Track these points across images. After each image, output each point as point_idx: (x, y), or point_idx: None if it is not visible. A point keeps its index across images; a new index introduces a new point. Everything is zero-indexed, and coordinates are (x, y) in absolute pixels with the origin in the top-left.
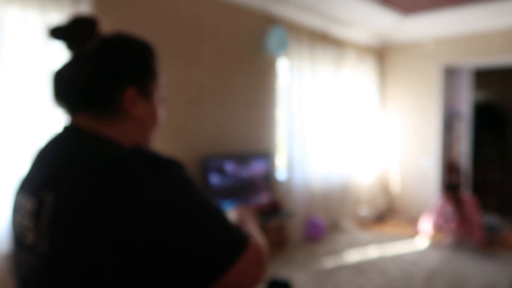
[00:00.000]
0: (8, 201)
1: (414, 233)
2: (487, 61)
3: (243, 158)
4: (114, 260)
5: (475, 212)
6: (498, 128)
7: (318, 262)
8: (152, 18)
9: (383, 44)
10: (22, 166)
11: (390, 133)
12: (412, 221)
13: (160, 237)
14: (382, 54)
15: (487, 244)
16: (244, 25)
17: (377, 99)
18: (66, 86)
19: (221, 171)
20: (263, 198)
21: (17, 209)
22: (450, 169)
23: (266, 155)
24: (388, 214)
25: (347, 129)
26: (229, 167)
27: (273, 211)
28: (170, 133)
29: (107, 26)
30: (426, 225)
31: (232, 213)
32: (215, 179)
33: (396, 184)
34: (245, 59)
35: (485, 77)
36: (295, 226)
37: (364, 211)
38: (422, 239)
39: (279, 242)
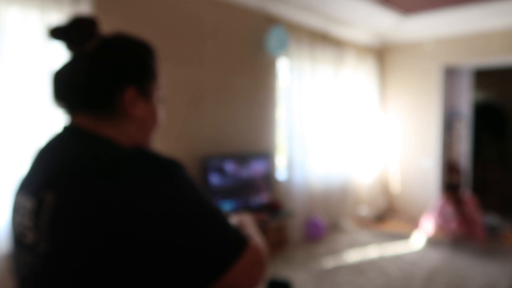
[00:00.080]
0: (8, 201)
1: (414, 232)
2: (487, 61)
3: (243, 158)
4: (114, 259)
5: (476, 212)
6: (498, 128)
7: (318, 262)
8: (152, 18)
9: (383, 44)
10: (22, 166)
11: (390, 133)
12: (412, 221)
13: (160, 236)
14: (382, 54)
15: (488, 243)
16: (244, 25)
17: (377, 99)
18: (66, 86)
19: (221, 171)
20: (263, 198)
21: (17, 209)
22: (450, 169)
23: (266, 155)
24: (388, 214)
25: (347, 129)
26: (229, 167)
27: (273, 211)
28: (170, 133)
29: (107, 26)
30: (427, 225)
31: (232, 217)
32: (215, 179)
33: (396, 184)
34: (245, 59)
35: (485, 77)
36: (295, 226)
37: (364, 211)
38: (421, 237)
39: (279, 242)
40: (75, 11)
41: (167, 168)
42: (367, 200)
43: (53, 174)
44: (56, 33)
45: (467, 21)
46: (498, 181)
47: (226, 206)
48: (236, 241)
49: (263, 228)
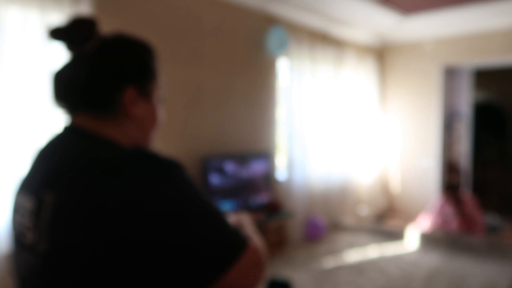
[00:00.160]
0: (8, 201)
1: (409, 230)
2: (487, 61)
3: (243, 158)
4: (114, 259)
5: (477, 212)
6: (498, 128)
7: (318, 262)
8: (152, 19)
9: (383, 44)
10: (22, 166)
11: (390, 133)
12: (412, 221)
13: (159, 236)
14: (382, 54)
15: (488, 242)
16: (244, 25)
17: (377, 99)
18: (66, 87)
19: (221, 171)
20: (263, 198)
21: (17, 209)
22: (450, 169)
23: (266, 155)
24: (388, 214)
25: (347, 129)
26: (229, 167)
27: (273, 211)
28: (170, 133)
29: (107, 27)
30: (424, 224)
31: (230, 217)
32: (215, 179)
33: (396, 184)
34: (245, 59)
35: (485, 77)
36: (295, 226)
37: (364, 211)
38: (416, 235)
39: (279, 242)
40: (75, 12)
41: (167, 168)
42: (367, 200)
43: (53, 174)
44: (56, 33)
45: (467, 21)
46: (498, 181)
47: (226, 206)
48: (236, 241)
49: (261, 227)
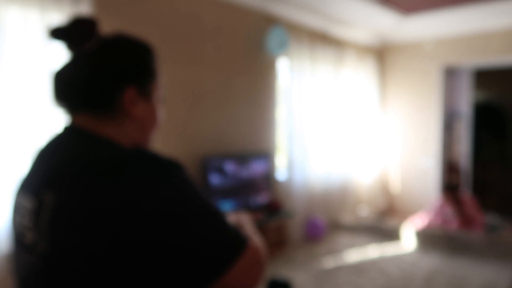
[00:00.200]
0: (8, 201)
1: (405, 229)
2: (487, 61)
3: (243, 158)
4: (114, 259)
5: (477, 212)
6: (498, 128)
7: (318, 262)
8: (152, 19)
9: (383, 44)
10: (22, 166)
11: (390, 133)
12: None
13: (159, 236)
14: (382, 54)
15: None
16: (244, 25)
17: (377, 99)
18: (66, 86)
19: (221, 171)
20: (263, 198)
21: (17, 209)
22: (450, 169)
23: (266, 155)
24: (388, 214)
25: (347, 129)
26: (229, 167)
27: (273, 211)
28: (170, 133)
29: (107, 27)
30: (418, 222)
31: (230, 217)
32: (215, 179)
33: (396, 184)
34: (245, 59)
35: (485, 77)
36: (295, 226)
37: (364, 211)
38: (412, 234)
39: (279, 242)
40: (75, 11)
41: (167, 168)
42: (367, 200)
43: (53, 174)
44: (56, 33)
45: (467, 21)
46: (498, 181)
47: (226, 206)
48: (236, 241)
49: (261, 227)
